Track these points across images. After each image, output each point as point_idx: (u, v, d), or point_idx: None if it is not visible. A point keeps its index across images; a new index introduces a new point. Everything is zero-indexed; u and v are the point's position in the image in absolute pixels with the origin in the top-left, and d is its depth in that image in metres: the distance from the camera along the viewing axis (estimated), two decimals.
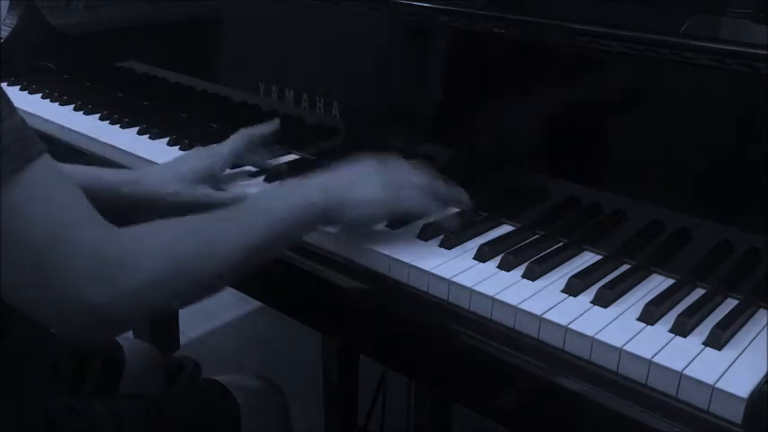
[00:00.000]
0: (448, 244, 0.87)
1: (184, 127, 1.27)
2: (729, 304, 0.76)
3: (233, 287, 0.84)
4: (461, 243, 0.88)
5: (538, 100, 0.93)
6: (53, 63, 1.62)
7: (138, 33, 1.48)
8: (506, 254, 0.84)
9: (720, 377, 0.65)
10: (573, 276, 0.79)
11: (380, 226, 0.90)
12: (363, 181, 0.83)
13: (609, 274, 0.82)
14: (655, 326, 0.73)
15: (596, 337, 0.70)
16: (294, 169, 1.09)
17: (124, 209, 0.93)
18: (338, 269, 0.87)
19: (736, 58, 0.76)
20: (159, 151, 1.18)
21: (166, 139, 1.22)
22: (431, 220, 0.90)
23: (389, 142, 1.07)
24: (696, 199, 0.83)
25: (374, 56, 1.09)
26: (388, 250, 0.85)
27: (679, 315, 0.73)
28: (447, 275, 0.80)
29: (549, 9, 0.95)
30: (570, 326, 0.72)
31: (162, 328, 1.77)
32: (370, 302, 0.85)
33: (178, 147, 1.19)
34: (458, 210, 0.92)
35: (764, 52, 0.74)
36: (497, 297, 0.77)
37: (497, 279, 0.80)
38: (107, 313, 0.62)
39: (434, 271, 0.81)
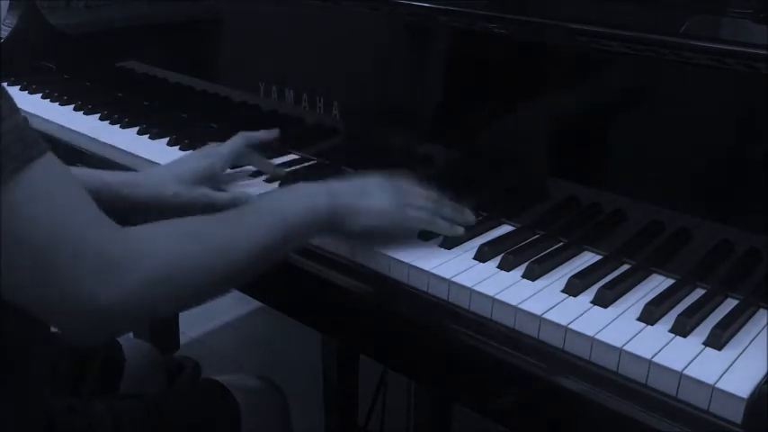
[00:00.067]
0: (448, 244, 0.87)
1: (184, 127, 1.27)
2: (729, 304, 0.76)
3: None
4: (461, 243, 0.88)
5: (538, 100, 0.93)
6: (53, 63, 1.62)
7: (138, 33, 1.48)
8: (506, 254, 0.84)
9: (720, 377, 0.65)
10: (573, 276, 0.79)
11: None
12: (372, 191, 0.84)
13: (609, 274, 0.82)
14: (655, 326, 0.73)
15: (596, 337, 0.70)
16: (297, 174, 1.09)
17: (124, 210, 0.93)
18: (338, 269, 0.87)
19: (736, 58, 0.76)
20: (159, 151, 1.18)
21: (166, 139, 1.22)
22: None
23: (389, 142, 1.07)
24: (696, 199, 0.83)
25: (374, 56, 1.09)
26: (388, 250, 0.85)
27: (679, 315, 0.73)
28: (447, 275, 0.80)
29: (549, 9, 0.95)
30: (570, 326, 0.72)
31: (162, 328, 1.77)
32: (370, 302, 0.85)
33: (178, 147, 1.19)
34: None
35: (764, 52, 0.74)
36: (497, 297, 0.77)
37: (497, 279, 0.80)
38: (109, 313, 0.61)
39: (434, 271, 0.81)
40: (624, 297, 0.78)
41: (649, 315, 0.73)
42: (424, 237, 0.88)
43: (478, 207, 0.94)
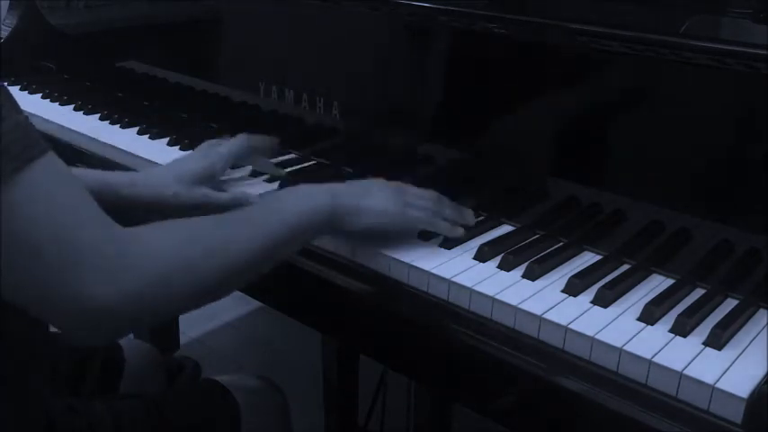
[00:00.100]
0: (448, 244, 0.87)
1: (184, 127, 1.27)
2: (729, 304, 0.76)
3: None
4: (461, 243, 0.88)
5: (538, 100, 0.93)
6: (53, 63, 1.62)
7: (138, 33, 1.48)
8: (506, 254, 0.84)
9: (720, 377, 0.65)
10: (573, 276, 0.79)
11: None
12: (373, 191, 0.85)
13: (609, 274, 0.82)
14: (655, 326, 0.73)
15: (596, 337, 0.70)
16: (297, 174, 1.09)
17: (125, 210, 0.93)
18: (338, 269, 0.87)
19: (736, 58, 0.76)
20: (159, 151, 1.18)
21: (166, 139, 1.22)
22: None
23: (389, 142, 1.07)
24: (696, 199, 0.83)
25: (374, 56, 1.09)
26: (388, 250, 0.85)
27: (679, 315, 0.73)
28: (447, 275, 0.80)
29: (549, 9, 0.94)
30: (570, 326, 0.72)
31: (162, 328, 1.77)
32: (370, 302, 0.85)
33: (178, 147, 1.19)
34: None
35: (764, 52, 0.74)
36: (497, 297, 0.77)
37: (497, 279, 0.80)
38: (110, 314, 0.61)
39: (434, 271, 0.81)
40: (624, 297, 0.78)
41: (649, 315, 0.73)
42: (424, 237, 0.88)
43: (478, 207, 0.94)
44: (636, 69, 0.84)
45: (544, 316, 0.73)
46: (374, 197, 0.84)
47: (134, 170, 1.14)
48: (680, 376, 0.66)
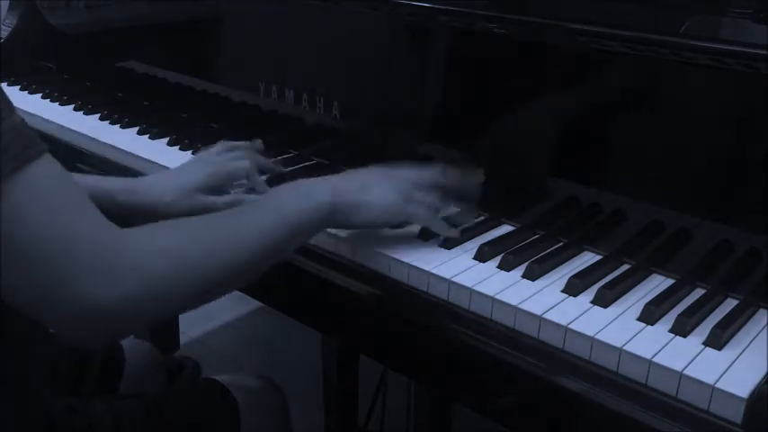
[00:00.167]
0: (448, 244, 0.87)
1: (184, 127, 1.27)
2: (729, 304, 0.76)
3: None
4: (461, 243, 0.88)
5: (538, 100, 0.93)
6: (53, 63, 1.62)
7: (138, 33, 1.48)
8: (506, 254, 0.84)
9: (720, 377, 0.65)
10: (573, 276, 0.79)
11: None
12: (373, 186, 0.84)
13: (609, 274, 0.82)
14: (655, 326, 0.73)
15: (596, 337, 0.70)
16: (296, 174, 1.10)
17: (121, 217, 0.93)
18: (338, 269, 0.87)
19: (736, 58, 0.76)
20: (159, 151, 1.18)
21: (166, 139, 1.22)
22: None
23: (389, 142, 1.07)
24: (696, 199, 0.83)
25: (374, 56, 1.09)
26: (388, 250, 0.85)
27: (679, 315, 0.73)
28: (447, 275, 0.80)
29: (549, 9, 0.95)
30: (570, 326, 0.72)
31: (162, 328, 1.77)
32: (370, 302, 0.85)
33: (178, 147, 1.19)
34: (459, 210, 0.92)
35: (764, 52, 0.74)
36: (497, 297, 0.77)
37: (497, 279, 0.80)
38: (110, 315, 0.61)
39: (434, 271, 0.81)
40: (624, 297, 0.78)
41: (649, 315, 0.73)
42: (424, 237, 0.88)
43: (478, 207, 0.94)
44: (636, 69, 0.84)
45: (544, 316, 0.73)
46: (374, 192, 0.83)
47: (134, 170, 1.14)
48: (680, 376, 0.66)
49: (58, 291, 0.60)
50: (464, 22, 0.96)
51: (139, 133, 1.26)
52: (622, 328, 0.72)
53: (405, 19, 1.03)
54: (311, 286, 0.89)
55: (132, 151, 1.18)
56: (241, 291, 0.93)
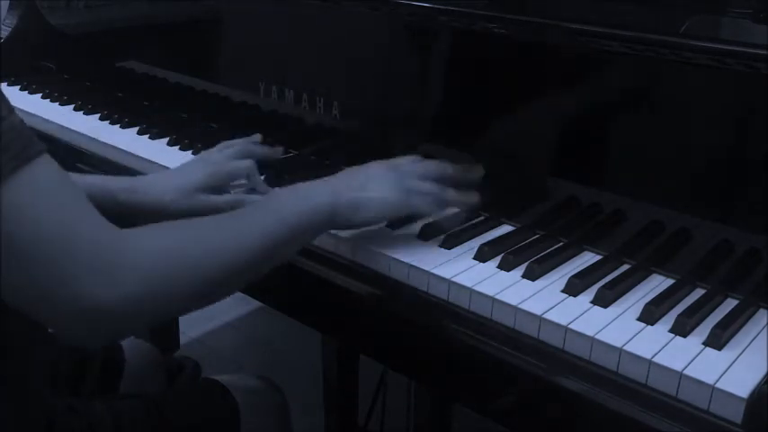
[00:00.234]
0: (448, 244, 0.87)
1: (184, 127, 1.27)
2: (729, 304, 0.76)
3: None
4: (461, 243, 0.88)
5: (538, 100, 0.93)
6: (53, 63, 1.62)
7: (138, 33, 1.48)
8: (506, 254, 0.84)
9: (720, 377, 0.65)
10: (573, 276, 0.79)
11: (381, 225, 0.89)
12: (373, 182, 0.84)
13: (609, 274, 0.82)
14: (655, 326, 0.73)
15: (596, 337, 0.70)
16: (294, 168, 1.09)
17: (122, 216, 0.93)
18: (338, 269, 0.87)
19: (736, 58, 0.76)
20: (159, 151, 1.18)
21: (166, 139, 1.22)
22: (431, 220, 0.90)
23: (389, 142, 1.07)
24: (696, 199, 0.83)
25: (374, 56, 1.09)
26: (388, 250, 0.85)
27: (679, 315, 0.73)
28: (447, 275, 0.80)
29: (549, 9, 0.95)
30: (570, 326, 0.72)
31: (162, 328, 1.77)
32: (370, 302, 0.85)
33: (178, 147, 1.19)
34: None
35: (764, 52, 0.74)
36: (497, 297, 0.77)
37: (497, 279, 0.80)
38: (110, 315, 0.61)
39: (434, 271, 0.81)
40: (624, 297, 0.78)
41: (649, 315, 0.73)
42: (424, 237, 0.88)
43: (478, 207, 0.94)
44: (636, 69, 0.84)
45: (544, 316, 0.73)
46: (374, 189, 0.83)
47: (134, 170, 1.14)
48: (680, 376, 0.66)
49: (58, 291, 0.60)
50: (464, 22, 0.96)
51: (139, 133, 1.26)
52: (622, 328, 0.72)
53: (405, 19, 1.03)
54: (311, 286, 0.89)
55: (132, 151, 1.18)
56: (241, 291, 0.93)
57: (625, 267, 0.83)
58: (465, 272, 0.81)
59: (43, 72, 1.61)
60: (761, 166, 0.77)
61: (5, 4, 1.65)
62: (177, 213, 0.94)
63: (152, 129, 1.25)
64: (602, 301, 0.76)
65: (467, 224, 0.91)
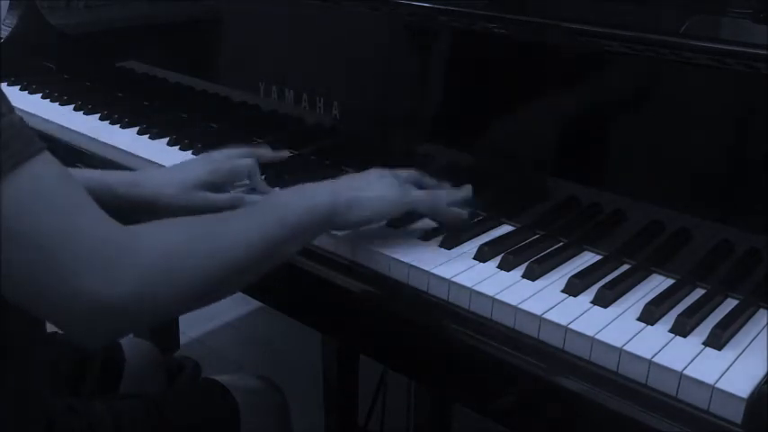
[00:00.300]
0: (448, 244, 0.87)
1: (184, 127, 1.27)
2: (729, 304, 0.76)
3: None
4: (461, 243, 0.88)
5: (538, 100, 0.93)
6: (53, 63, 1.62)
7: (138, 33, 1.48)
8: (506, 254, 0.84)
9: (720, 377, 0.65)
10: (573, 276, 0.79)
11: (382, 224, 0.89)
12: (372, 183, 0.84)
13: (609, 274, 0.82)
14: (655, 326, 0.73)
15: (596, 337, 0.70)
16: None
17: (121, 211, 0.93)
18: (338, 269, 0.87)
19: (736, 58, 0.76)
20: (159, 151, 1.18)
21: (166, 139, 1.22)
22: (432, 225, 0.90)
23: (389, 142, 1.07)
24: (696, 199, 0.83)
25: (374, 56, 1.09)
26: (388, 250, 0.85)
27: (679, 315, 0.73)
28: (447, 275, 0.80)
29: (549, 9, 0.95)
30: (570, 326, 0.72)
31: (162, 328, 1.77)
32: (370, 302, 0.85)
33: (178, 147, 1.19)
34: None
35: (764, 52, 0.74)
36: (497, 297, 0.77)
37: (497, 279, 0.80)
38: (110, 313, 0.61)
39: (434, 271, 0.81)
40: (624, 297, 0.78)
41: (649, 315, 0.73)
42: (424, 237, 0.88)
43: (478, 207, 0.94)
44: (636, 69, 0.84)
45: (544, 316, 0.73)
46: (373, 188, 0.84)
47: (134, 170, 1.14)
48: (680, 376, 0.66)
49: (58, 288, 0.60)
50: (464, 22, 0.96)
51: (139, 133, 1.26)
52: (622, 328, 0.72)
53: (405, 19, 1.03)
54: (311, 286, 0.89)
55: (132, 151, 1.18)
56: (241, 291, 0.93)
57: (625, 267, 0.83)
58: (465, 272, 0.81)
59: (43, 72, 1.61)
60: (761, 166, 0.77)
61: (5, 4, 1.65)
62: (176, 208, 0.95)
63: (152, 129, 1.25)
64: (602, 301, 0.76)
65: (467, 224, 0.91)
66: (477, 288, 0.78)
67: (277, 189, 1.03)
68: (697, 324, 0.73)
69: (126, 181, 0.96)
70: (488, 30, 0.94)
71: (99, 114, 1.35)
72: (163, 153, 1.17)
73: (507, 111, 0.95)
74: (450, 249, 0.86)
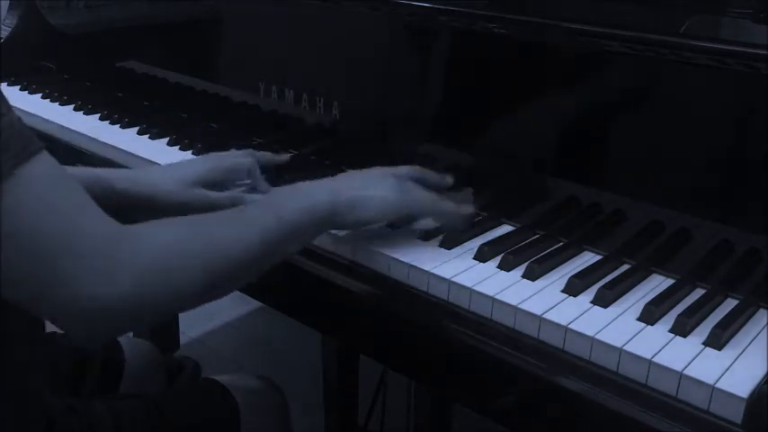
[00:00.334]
0: (448, 244, 0.87)
1: (184, 127, 1.27)
2: (729, 304, 0.76)
3: None
4: (461, 243, 0.88)
5: (538, 100, 0.93)
6: (53, 63, 1.62)
7: (138, 33, 1.48)
8: (506, 254, 0.84)
9: (720, 377, 0.65)
10: (573, 276, 0.79)
11: (382, 224, 0.89)
12: (373, 182, 0.84)
13: (609, 274, 0.82)
14: (655, 326, 0.73)
15: (596, 337, 0.70)
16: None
17: (120, 207, 0.93)
18: (338, 269, 0.87)
19: (736, 58, 0.76)
20: (159, 151, 1.18)
21: (166, 139, 1.22)
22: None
23: (389, 142, 1.07)
24: (696, 199, 0.83)
25: (374, 56, 1.09)
26: (388, 250, 0.85)
27: (679, 315, 0.73)
28: (447, 275, 0.80)
29: (549, 9, 0.95)
30: (570, 326, 0.72)
31: (162, 327, 1.77)
32: (370, 302, 0.85)
33: (178, 147, 1.19)
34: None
35: (764, 52, 0.74)
36: (497, 297, 0.77)
37: (497, 279, 0.80)
38: (110, 313, 0.61)
39: (434, 271, 0.81)
40: (624, 297, 0.78)
41: (649, 315, 0.73)
42: (424, 237, 0.88)
43: (478, 207, 0.94)
44: (636, 69, 0.84)
45: (544, 316, 0.73)
46: (374, 188, 0.83)
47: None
48: (680, 376, 0.66)
49: (58, 290, 0.60)
50: (464, 22, 0.96)
51: (139, 133, 1.26)
52: (622, 328, 0.72)
53: (405, 19, 1.03)
54: (311, 286, 0.89)
55: (132, 151, 1.18)
56: (241, 291, 0.93)
57: (625, 267, 0.83)
58: (465, 272, 0.81)
59: (43, 72, 1.61)
60: (761, 166, 0.77)
61: (5, 4, 1.65)
62: (175, 205, 0.95)
63: (152, 129, 1.25)
64: (602, 301, 0.76)
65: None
66: (477, 288, 0.78)
67: (276, 188, 1.03)
68: (697, 324, 0.73)
69: (125, 177, 0.96)
70: (488, 30, 0.94)
71: (99, 114, 1.35)
72: (163, 153, 1.17)
73: (507, 111, 0.95)
74: (450, 249, 0.86)
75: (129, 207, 0.93)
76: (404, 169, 0.87)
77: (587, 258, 0.86)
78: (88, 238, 0.61)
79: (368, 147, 1.10)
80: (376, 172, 0.86)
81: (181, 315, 1.87)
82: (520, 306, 0.75)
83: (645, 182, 0.85)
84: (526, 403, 0.74)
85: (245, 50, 1.27)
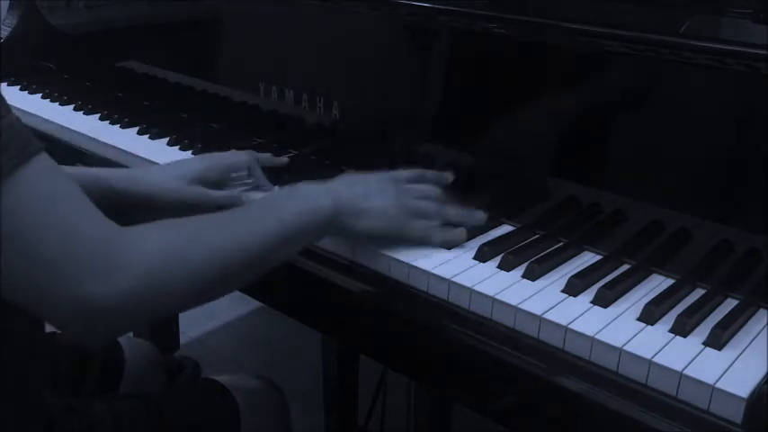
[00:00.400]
0: (448, 244, 0.87)
1: (184, 127, 1.27)
2: (729, 304, 0.76)
3: None
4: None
5: (538, 100, 0.93)
6: (53, 63, 1.62)
7: (138, 33, 1.48)
8: (506, 254, 0.84)
9: (720, 377, 0.65)
10: (573, 276, 0.79)
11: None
12: (374, 192, 0.84)
13: (609, 274, 0.82)
14: (655, 326, 0.73)
15: (596, 337, 0.70)
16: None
17: (119, 206, 0.93)
18: (338, 269, 0.87)
19: (736, 58, 0.76)
20: (159, 151, 1.18)
21: (166, 139, 1.22)
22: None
23: (389, 142, 1.07)
24: (696, 199, 0.83)
25: (374, 56, 1.09)
26: (388, 250, 0.85)
27: (679, 315, 0.73)
28: (447, 275, 0.80)
29: (549, 9, 0.95)
30: (570, 326, 0.72)
31: (162, 327, 1.77)
32: (370, 302, 0.85)
33: (178, 147, 1.19)
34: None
35: (764, 52, 0.74)
36: (497, 297, 0.77)
37: (497, 279, 0.80)
38: (109, 314, 0.61)
39: (434, 271, 0.81)
40: (624, 297, 0.78)
41: (649, 315, 0.73)
42: None
43: (478, 207, 0.94)
44: (636, 69, 0.84)
45: (544, 316, 0.73)
46: (375, 199, 0.83)
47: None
48: (680, 376, 0.66)
49: (58, 292, 0.60)
50: (464, 22, 0.96)
51: (139, 133, 1.26)
52: (622, 328, 0.72)
53: (405, 19, 1.03)
54: (311, 286, 0.89)
55: (132, 151, 1.18)
56: (241, 291, 0.93)
57: (625, 267, 0.83)
58: (465, 272, 0.81)
59: (43, 72, 1.61)
60: (761, 166, 0.77)
61: (5, 4, 1.65)
62: (174, 203, 0.95)
63: (152, 129, 1.25)
64: (602, 301, 0.76)
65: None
66: (477, 288, 0.78)
67: (277, 188, 1.03)
68: (697, 324, 0.73)
69: (124, 177, 0.96)
70: (488, 30, 0.94)
71: (99, 114, 1.35)
72: (163, 153, 1.17)
73: (507, 111, 0.95)
74: (450, 249, 0.86)
75: (129, 206, 0.93)
76: (404, 173, 0.87)
77: (587, 258, 0.86)
78: (87, 239, 0.61)
79: (368, 147, 1.10)
80: (376, 180, 0.86)
81: (181, 315, 1.87)
82: (520, 306, 0.75)
83: (645, 182, 0.85)
84: (526, 403, 0.74)
85: (245, 50, 1.27)
